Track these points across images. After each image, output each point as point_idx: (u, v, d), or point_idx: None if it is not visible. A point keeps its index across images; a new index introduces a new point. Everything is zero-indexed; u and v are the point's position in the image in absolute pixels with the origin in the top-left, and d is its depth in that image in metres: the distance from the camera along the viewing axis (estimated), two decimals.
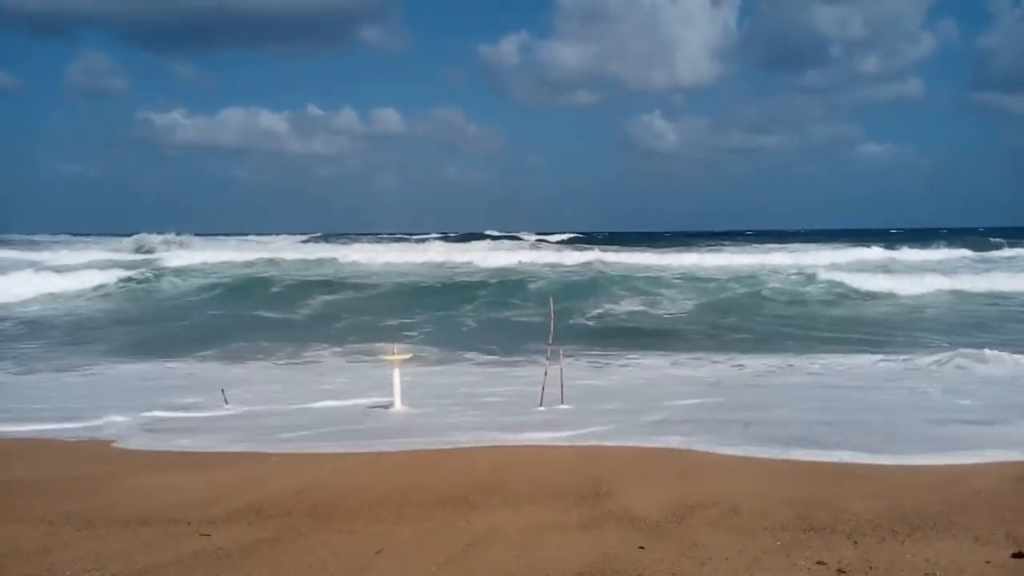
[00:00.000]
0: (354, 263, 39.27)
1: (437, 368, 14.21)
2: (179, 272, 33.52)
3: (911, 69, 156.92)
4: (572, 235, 79.29)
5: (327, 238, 67.72)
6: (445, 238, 67.64)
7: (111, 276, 29.68)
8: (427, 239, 63.04)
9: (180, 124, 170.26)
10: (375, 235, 76.17)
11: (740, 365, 14.35)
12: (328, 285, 29.02)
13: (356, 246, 50.27)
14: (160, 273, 33.02)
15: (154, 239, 51.83)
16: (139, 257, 43.35)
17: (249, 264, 38.46)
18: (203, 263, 37.19)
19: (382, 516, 5.96)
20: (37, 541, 5.42)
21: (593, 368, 14.05)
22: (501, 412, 10.08)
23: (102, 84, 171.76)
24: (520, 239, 65.89)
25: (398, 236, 75.47)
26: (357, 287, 29.07)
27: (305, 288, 28.49)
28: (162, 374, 13.77)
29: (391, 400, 10.00)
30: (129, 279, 29.78)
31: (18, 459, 8.07)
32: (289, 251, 45.09)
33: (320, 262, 40.31)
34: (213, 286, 29.65)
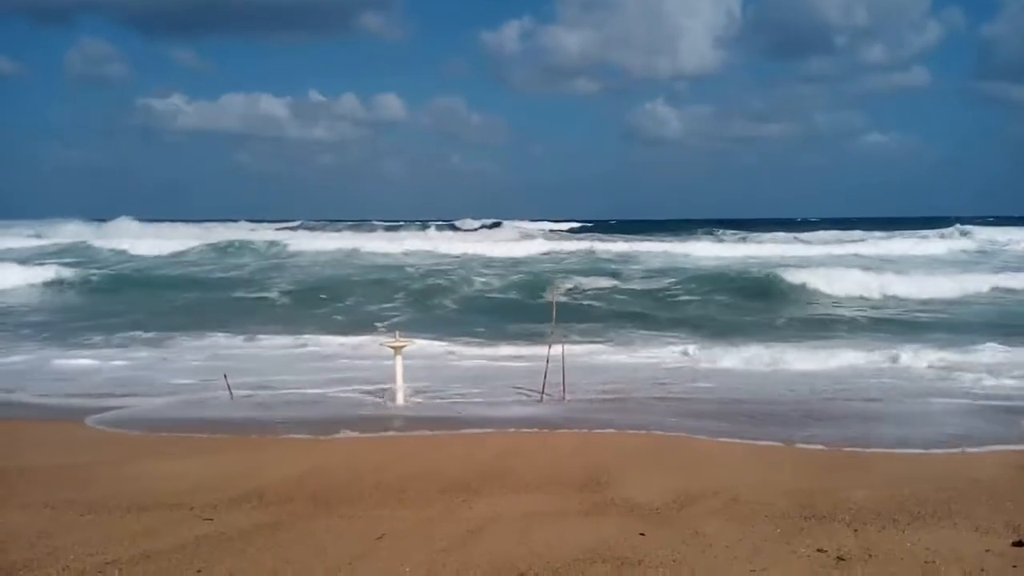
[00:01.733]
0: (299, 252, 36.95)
1: (431, 353, 14.03)
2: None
3: (916, 58, 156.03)
4: (575, 223, 79.07)
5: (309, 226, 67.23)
6: (425, 226, 67.12)
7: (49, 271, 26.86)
8: (383, 228, 61.93)
9: (181, 110, 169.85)
10: (360, 222, 75.70)
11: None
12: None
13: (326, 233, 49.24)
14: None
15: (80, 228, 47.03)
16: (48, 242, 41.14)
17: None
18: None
19: (383, 502, 5.98)
20: (40, 526, 5.44)
21: (587, 355, 13.92)
22: (502, 398, 10.11)
23: (102, 70, 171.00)
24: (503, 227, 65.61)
25: (376, 222, 74.91)
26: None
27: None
28: (154, 359, 13.72)
29: (392, 386, 10.00)
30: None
31: (21, 445, 8.10)
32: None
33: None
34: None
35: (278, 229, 57.32)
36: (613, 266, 30.97)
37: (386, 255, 35.47)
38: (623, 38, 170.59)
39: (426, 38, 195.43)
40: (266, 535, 5.29)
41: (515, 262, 33.04)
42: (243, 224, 64.05)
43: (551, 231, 59.11)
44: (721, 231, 55.46)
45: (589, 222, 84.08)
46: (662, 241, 40.76)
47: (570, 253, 36.88)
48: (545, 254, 36.61)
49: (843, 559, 4.84)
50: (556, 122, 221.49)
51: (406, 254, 35.94)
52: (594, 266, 31.10)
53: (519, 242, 40.60)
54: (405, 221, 79.25)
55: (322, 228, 60.98)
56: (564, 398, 9.85)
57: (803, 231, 56.27)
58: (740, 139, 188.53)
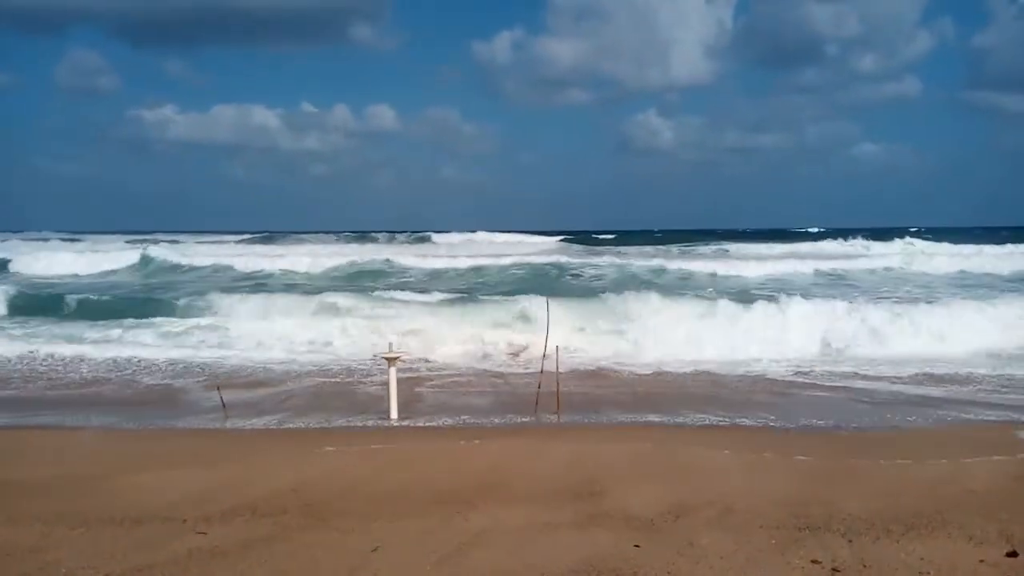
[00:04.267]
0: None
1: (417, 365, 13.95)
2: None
3: (907, 68, 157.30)
4: (566, 235, 78.93)
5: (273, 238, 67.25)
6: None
7: None
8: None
9: (172, 121, 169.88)
10: (340, 232, 75.90)
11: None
12: None
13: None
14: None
15: None
16: None
17: None
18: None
19: (378, 514, 5.95)
20: (31, 540, 5.40)
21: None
22: (495, 410, 10.11)
23: (93, 81, 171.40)
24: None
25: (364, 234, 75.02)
26: None
27: None
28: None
29: (386, 390, 9.96)
30: None
31: (12, 459, 8.04)
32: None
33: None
34: None
35: (236, 242, 57.47)
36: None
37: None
38: (615, 49, 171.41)
39: (418, 49, 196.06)
40: (260, 548, 5.26)
41: (430, 274, 30.61)
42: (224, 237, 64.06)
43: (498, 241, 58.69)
44: (717, 244, 55.21)
45: (579, 233, 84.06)
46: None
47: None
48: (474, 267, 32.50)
49: (838, 570, 4.86)
50: (549, 133, 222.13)
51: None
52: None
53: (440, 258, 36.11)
54: (396, 232, 79.43)
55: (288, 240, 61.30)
56: (558, 414, 9.83)
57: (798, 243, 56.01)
58: (732, 149, 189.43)
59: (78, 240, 58.32)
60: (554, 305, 13.14)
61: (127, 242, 52.15)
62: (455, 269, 31.80)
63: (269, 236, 70.21)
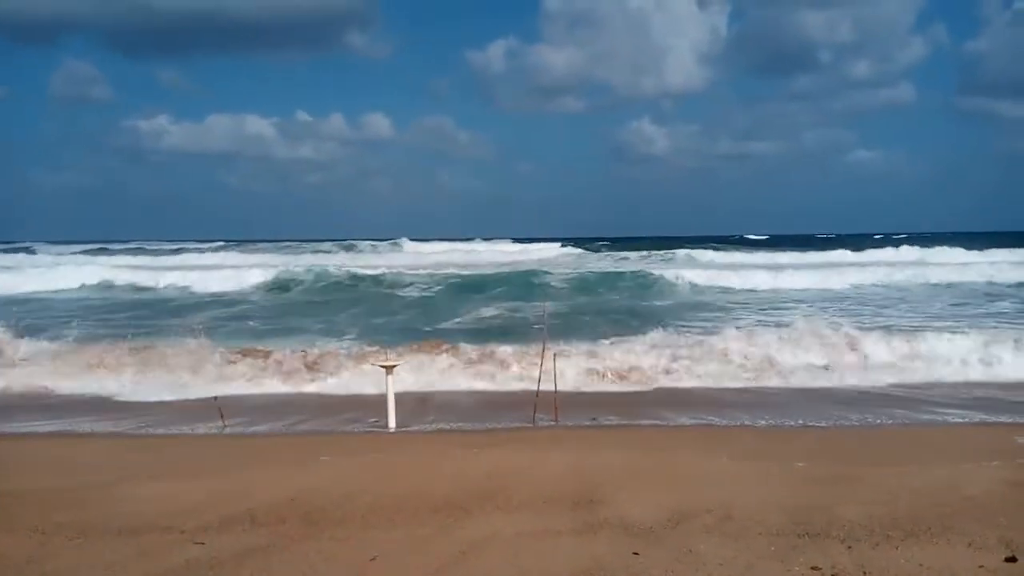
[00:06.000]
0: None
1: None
2: None
3: (901, 74, 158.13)
4: (558, 241, 78.94)
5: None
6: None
7: None
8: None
9: (166, 131, 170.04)
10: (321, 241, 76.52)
11: None
12: None
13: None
14: None
15: None
16: None
17: None
18: None
19: (375, 523, 5.94)
20: (29, 551, 5.38)
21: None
22: (493, 419, 10.10)
23: (87, 91, 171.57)
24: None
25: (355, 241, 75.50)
26: None
27: None
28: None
29: (383, 398, 9.94)
30: None
31: (9, 466, 8.01)
32: None
33: None
34: None
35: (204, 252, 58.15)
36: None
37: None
38: (609, 56, 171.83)
39: (412, 58, 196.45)
40: (258, 558, 5.24)
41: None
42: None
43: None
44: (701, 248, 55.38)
45: (576, 240, 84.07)
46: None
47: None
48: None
49: None
50: (543, 140, 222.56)
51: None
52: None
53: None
54: (386, 240, 79.65)
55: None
56: (556, 421, 9.82)
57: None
58: (727, 156, 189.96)
59: (29, 254, 57.61)
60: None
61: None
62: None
63: (231, 244, 70.83)
